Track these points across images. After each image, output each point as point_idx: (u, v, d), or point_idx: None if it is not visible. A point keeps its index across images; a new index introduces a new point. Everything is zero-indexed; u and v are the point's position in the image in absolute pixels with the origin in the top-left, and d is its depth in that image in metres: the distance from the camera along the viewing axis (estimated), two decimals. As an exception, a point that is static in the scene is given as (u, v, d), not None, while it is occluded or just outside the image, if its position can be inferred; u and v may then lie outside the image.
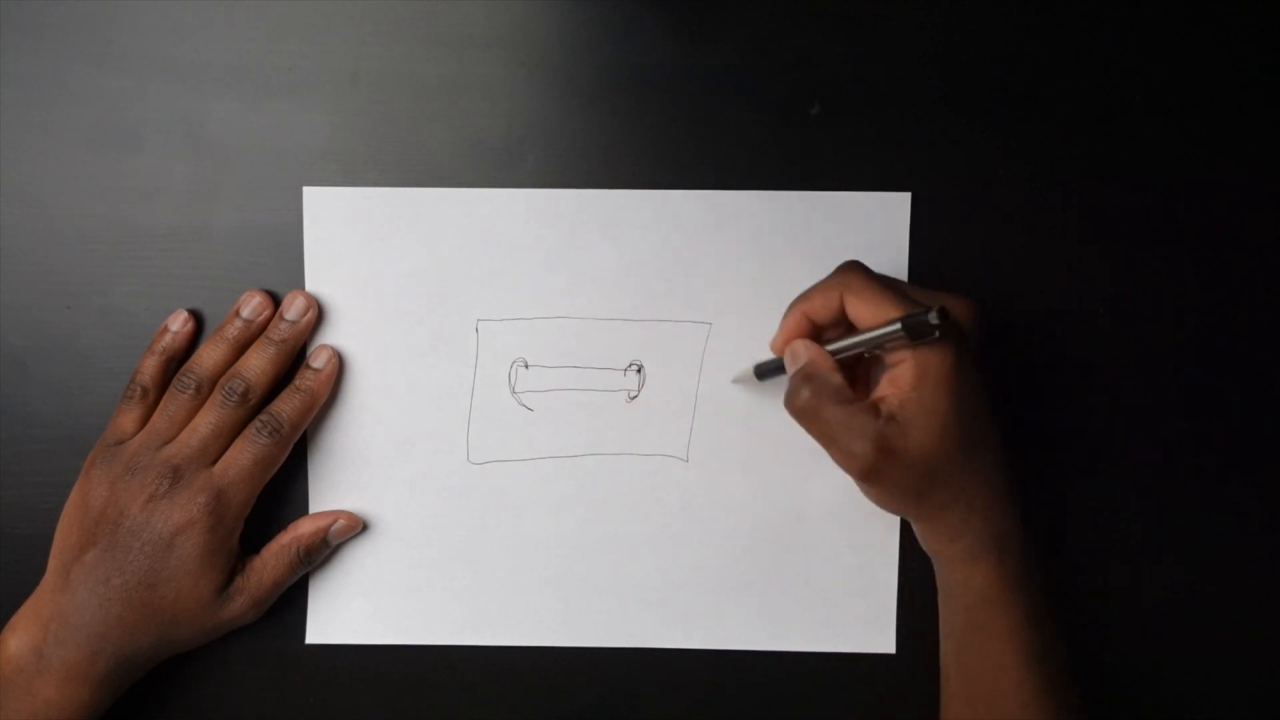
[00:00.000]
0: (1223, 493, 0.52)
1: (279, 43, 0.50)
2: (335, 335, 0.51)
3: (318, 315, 0.50)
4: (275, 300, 0.50)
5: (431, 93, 0.51)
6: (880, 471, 0.43)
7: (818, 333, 0.47)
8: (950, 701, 0.47)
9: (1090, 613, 0.52)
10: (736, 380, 0.51)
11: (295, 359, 0.50)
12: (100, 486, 0.47)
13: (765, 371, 0.49)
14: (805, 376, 0.45)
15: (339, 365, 0.51)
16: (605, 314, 0.51)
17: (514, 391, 0.51)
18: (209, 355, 0.49)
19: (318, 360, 0.50)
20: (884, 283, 0.45)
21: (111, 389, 0.50)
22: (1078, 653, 0.52)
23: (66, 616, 0.46)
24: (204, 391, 0.48)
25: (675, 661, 0.52)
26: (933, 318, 0.41)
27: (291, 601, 0.51)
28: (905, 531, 0.51)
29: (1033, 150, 0.51)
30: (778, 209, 0.51)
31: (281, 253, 0.51)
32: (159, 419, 0.48)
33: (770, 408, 0.51)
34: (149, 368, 0.49)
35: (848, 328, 0.46)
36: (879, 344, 0.43)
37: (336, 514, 0.51)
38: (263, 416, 0.48)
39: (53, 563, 0.48)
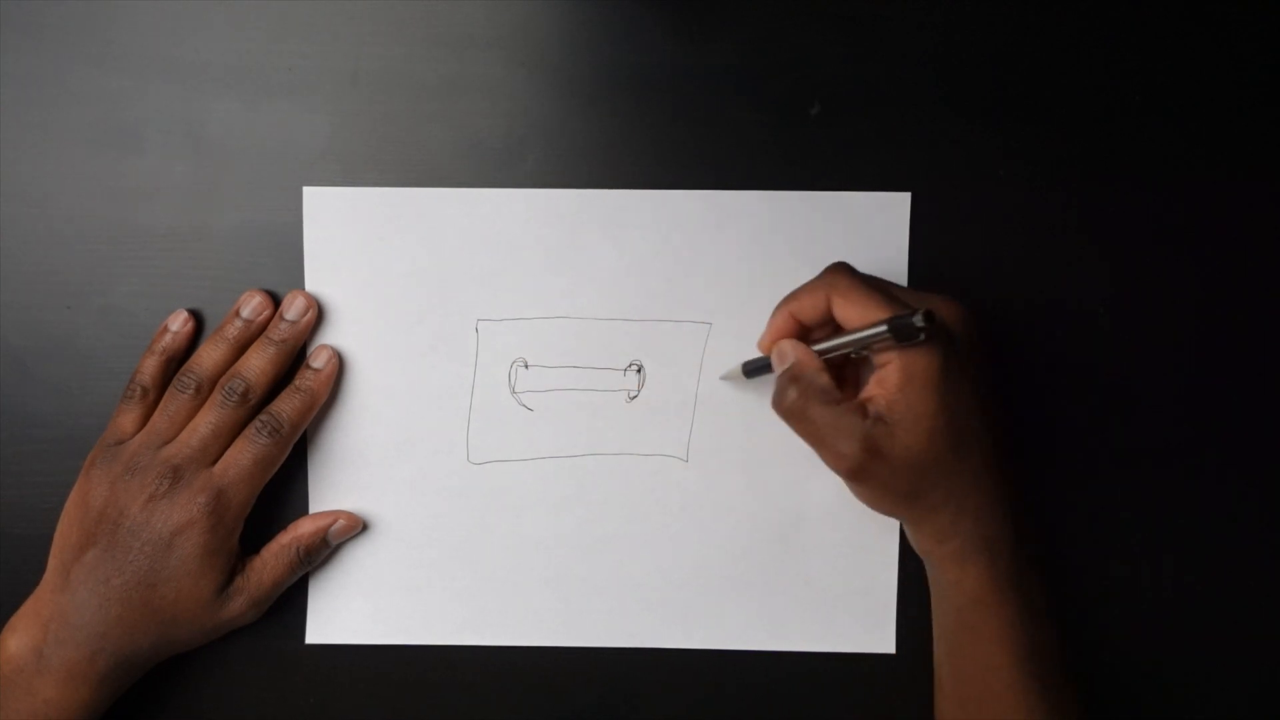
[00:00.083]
0: (1223, 493, 0.52)
1: (279, 43, 0.50)
2: (335, 335, 0.51)
3: (318, 315, 0.50)
4: (275, 300, 0.50)
5: (431, 93, 0.51)
6: (868, 472, 0.43)
7: (805, 333, 0.47)
8: (943, 702, 0.47)
9: (1090, 612, 0.52)
10: (725, 378, 0.51)
11: (295, 359, 0.50)
12: (100, 486, 0.47)
13: (753, 370, 0.49)
14: (792, 377, 0.45)
15: (339, 365, 0.51)
16: (605, 314, 0.51)
17: (514, 391, 0.51)
18: (209, 355, 0.49)
19: (318, 360, 0.50)
20: (871, 284, 0.45)
21: (111, 389, 0.50)
22: (1077, 652, 0.52)
23: (66, 616, 0.46)
24: (204, 391, 0.48)
25: (675, 661, 0.52)
26: (918, 320, 0.41)
27: (291, 601, 0.51)
28: (905, 532, 0.51)
29: (1033, 150, 0.51)
30: (778, 209, 0.51)
31: (281, 253, 0.51)
32: (159, 419, 0.48)
33: (770, 408, 0.51)
34: (149, 368, 0.49)
35: (835, 328, 0.46)
36: (865, 345, 0.43)
37: (336, 514, 0.51)
38: (263, 416, 0.48)
39: (52, 562, 0.48)
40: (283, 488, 0.51)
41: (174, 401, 0.48)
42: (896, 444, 0.43)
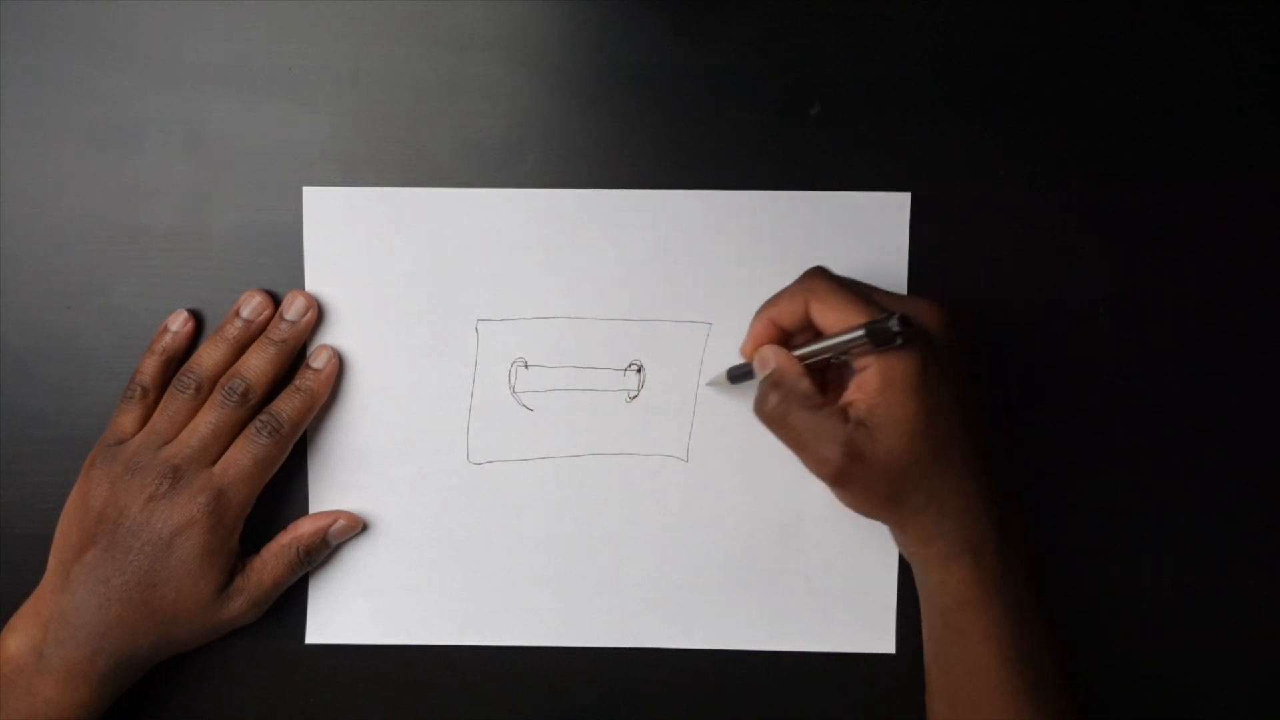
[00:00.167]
0: (1223, 493, 0.52)
1: (279, 43, 0.50)
2: (335, 335, 0.51)
3: (318, 315, 0.50)
4: (275, 300, 0.50)
5: (431, 93, 0.51)
6: (850, 475, 0.43)
7: (786, 338, 0.47)
8: (934, 703, 0.47)
9: (1090, 612, 0.52)
10: (711, 384, 0.51)
11: (295, 359, 0.50)
12: (100, 486, 0.47)
13: (738, 376, 0.49)
14: (774, 383, 0.45)
15: (339, 365, 0.51)
16: (605, 314, 0.51)
17: (514, 391, 0.51)
18: (209, 355, 0.49)
19: (318, 360, 0.50)
20: (849, 288, 0.45)
21: (111, 389, 0.50)
22: (1077, 652, 0.52)
23: (66, 616, 0.46)
24: (204, 391, 0.48)
25: (675, 661, 0.52)
26: (894, 324, 0.41)
27: (291, 601, 0.51)
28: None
29: (1033, 150, 0.51)
30: (778, 209, 0.51)
31: (281, 253, 0.51)
32: (159, 419, 0.48)
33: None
34: (149, 368, 0.49)
35: (815, 333, 0.46)
36: (844, 349, 0.43)
37: (336, 514, 0.51)
38: (263, 416, 0.48)
39: (52, 563, 0.48)
40: (283, 488, 0.51)
41: (174, 401, 0.48)
42: (878, 448, 0.43)
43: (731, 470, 0.51)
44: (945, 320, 0.45)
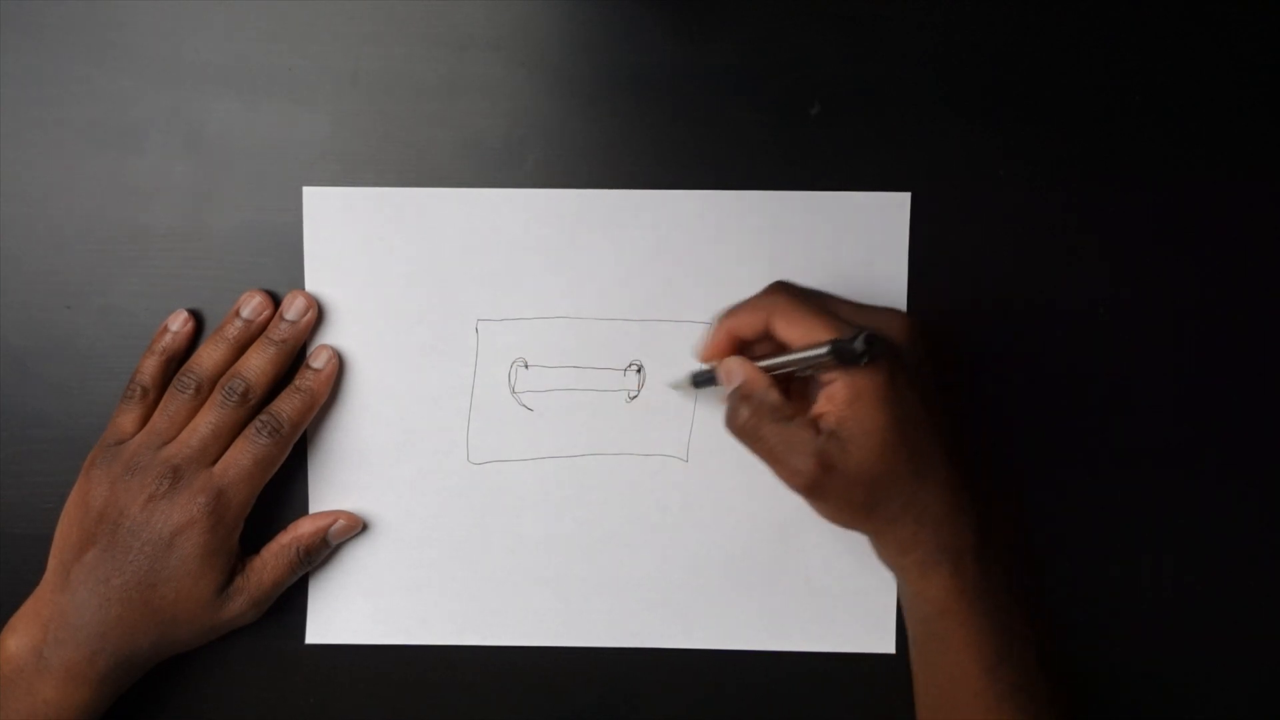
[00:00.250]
0: (1222, 493, 0.52)
1: (279, 43, 0.50)
2: (335, 335, 0.51)
3: (318, 315, 0.50)
4: (275, 300, 0.50)
5: (431, 93, 0.51)
6: (824, 487, 0.43)
7: (745, 348, 0.46)
8: (920, 708, 0.47)
9: (1090, 612, 0.52)
10: (673, 386, 0.51)
11: (295, 359, 0.50)
12: (100, 486, 0.47)
13: (701, 381, 0.49)
14: (742, 396, 0.45)
15: (339, 365, 0.51)
16: (605, 314, 0.51)
17: (514, 391, 0.51)
18: (209, 355, 0.49)
19: (318, 360, 0.50)
20: (813, 303, 0.44)
21: (111, 389, 0.50)
22: (1077, 652, 0.52)
23: (66, 616, 0.46)
24: (204, 391, 0.48)
25: (675, 661, 0.52)
26: (858, 344, 0.41)
27: (291, 601, 0.51)
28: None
29: (1033, 150, 0.51)
30: (778, 209, 0.51)
31: (281, 253, 0.51)
32: (159, 419, 0.48)
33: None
34: (149, 368, 0.49)
35: (778, 344, 0.45)
36: (809, 365, 0.43)
37: (336, 514, 0.51)
38: (263, 416, 0.48)
39: (52, 563, 0.48)
40: (283, 488, 0.51)
41: (174, 401, 0.48)
42: (850, 459, 0.43)
43: (731, 470, 0.51)
44: (911, 329, 0.45)
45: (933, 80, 0.51)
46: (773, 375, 0.45)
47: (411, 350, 0.51)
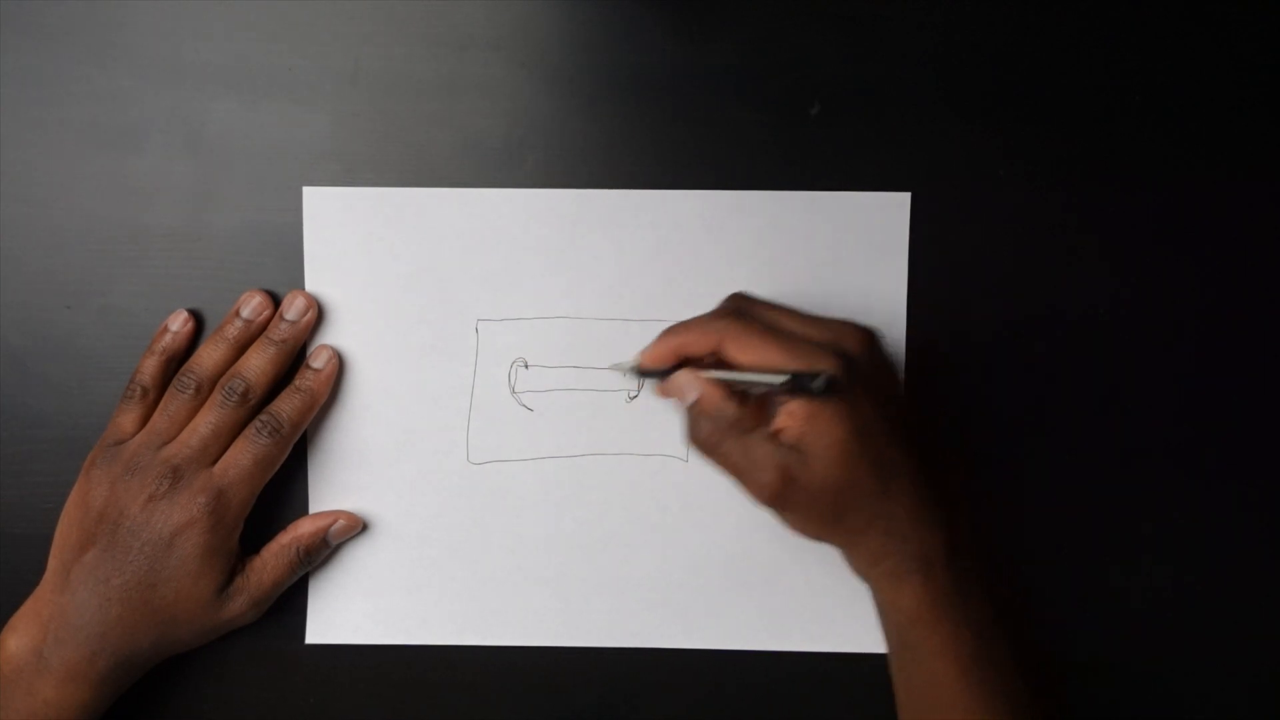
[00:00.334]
0: (1222, 493, 0.52)
1: (279, 43, 0.50)
2: (335, 335, 0.51)
3: (318, 315, 0.50)
4: (275, 300, 0.50)
5: (431, 93, 0.51)
6: (787, 500, 0.43)
7: (693, 362, 0.45)
8: (901, 713, 0.47)
9: (1089, 612, 0.52)
10: (614, 368, 0.50)
11: (295, 359, 0.50)
12: (100, 486, 0.47)
13: (648, 374, 0.47)
14: (700, 412, 0.44)
15: (339, 365, 0.51)
16: (605, 314, 0.51)
17: (514, 391, 0.51)
18: (209, 355, 0.49)
19: (318, 360, 0.50)
20: (766, 326, 0.44)
21: (111, 389, 0.50)
22: (1077, 653, 0.52)
23: (66, 616, 0.46)
24: (204, 391, 0.48)
25: (675, 661, 0.52)
26: (817, 385, 0.41)
27: (291, 601, 0.51)
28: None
29: (1033, 150, 0.51)
30: (777, 209, 0.51)
31: (281, 253, 0.51)
32: (159, 419, 0.48)
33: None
34: (149, 368, 0.49)
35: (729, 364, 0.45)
36: (764, 387, 0.43)
37: (336, 514, 0.51)
38: (263, 416, 0.48)
39: (52, 563, 0.48)
40: (283, 488, 0.51)
41: (174, 401, 0.48)
42: (812, 473, 0.43)
43: (731, 470, 0.51)
44: (868, 341, 0.45)
45: (933, 80, 0.51)
46: (728, 386, 0.44)
47: (411, 350, 0.51)
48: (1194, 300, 0.51)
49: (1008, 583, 0.52)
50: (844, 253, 0.51)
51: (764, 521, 0.51)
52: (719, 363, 0.45)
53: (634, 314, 0.51)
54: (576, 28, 0.51)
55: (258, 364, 0.49)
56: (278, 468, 0.49)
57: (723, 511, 0.51)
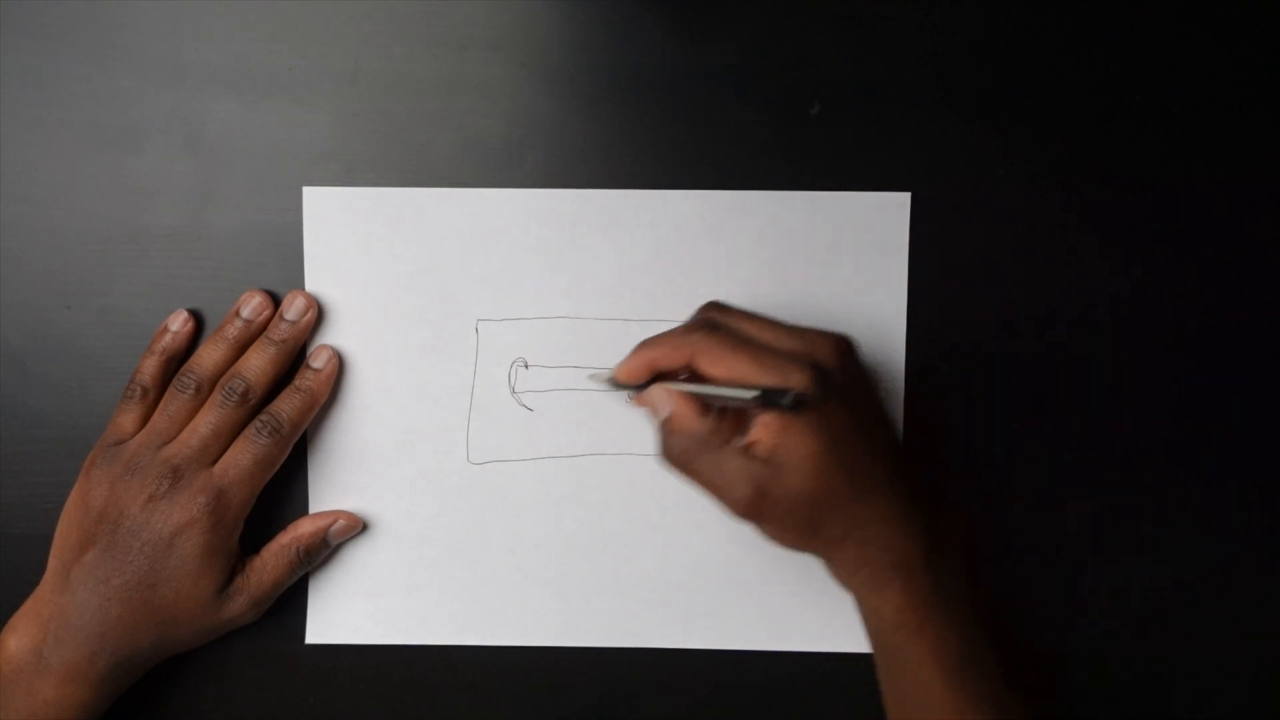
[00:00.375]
0: (1222, 493, 0.52)
1: (279, 43, 0.50)
2: (335, 335, 0.51)
3: (318, 315, 0.50)
4: (275, 300, 0.50)
5: (431, 93, 0.51)
6: (762, 512, 0.43)
7: (667, 376, 0.45)
8: (889, 715, 0.48)
9: (1088, 612, 0.52)
10: (591, 379, 0.50)
11: (295, 359, 0.50)
12: (100, 486, 0.47)
13: (624, 388, 0.47)
14: (672, 429, 0.44)
15: (339, 365, 0.51)
16: (605, 314, 0.51)
17: (514, 391, 0.51)
18: (209, 355, 0.49)
19: (318, 360, 0.50)
20: (737, 340, 0.44)
21: (111, 389, 0.50)
22: (1075, 653, 0.52)
23: (66, 616, 0.46)
24: (204, 391, 0.48)
25: (675, 661, 0.52)
26: (786, 401, 0.41)
27: (291, 601, 0.51)
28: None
29: (1033, 150, 0.51)
30: (777, 209, 0.51)
31: (281, 253, 0.51)
32: (159, 419, 0.48)
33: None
34: (149, 368, 0.49)
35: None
36: (737, 402, 0.43)
37: (336, 514, 0.51)
38: (263, 416, 0.48)
39: (52, 563, 0.48)
40: (283, 488, 0.51)
41: (174, 401, 0.48)
42: (786, 485, 0.43)
43: (731, 470, 0.51)
44: (842, 350, 0.45)
45: (933, 80, 0.51)
46: (700, 399, 0.44)
47: (411, 350, 0.51)
48: (1194, 300, 0.51)
49: (1007, 583, 0.52)
50: (844, 253, 0.51)
51: (764, 521, 0.51)
52: (693, 376, 0.44)
53: (634, 314, 0.51)
54: (576, 28, 0.51)
55: (258, 364, 0.49)
56: (278, 468, 0.49)
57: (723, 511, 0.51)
